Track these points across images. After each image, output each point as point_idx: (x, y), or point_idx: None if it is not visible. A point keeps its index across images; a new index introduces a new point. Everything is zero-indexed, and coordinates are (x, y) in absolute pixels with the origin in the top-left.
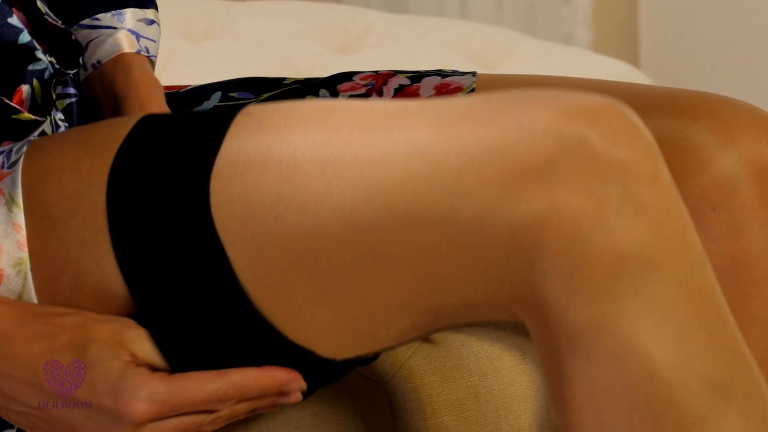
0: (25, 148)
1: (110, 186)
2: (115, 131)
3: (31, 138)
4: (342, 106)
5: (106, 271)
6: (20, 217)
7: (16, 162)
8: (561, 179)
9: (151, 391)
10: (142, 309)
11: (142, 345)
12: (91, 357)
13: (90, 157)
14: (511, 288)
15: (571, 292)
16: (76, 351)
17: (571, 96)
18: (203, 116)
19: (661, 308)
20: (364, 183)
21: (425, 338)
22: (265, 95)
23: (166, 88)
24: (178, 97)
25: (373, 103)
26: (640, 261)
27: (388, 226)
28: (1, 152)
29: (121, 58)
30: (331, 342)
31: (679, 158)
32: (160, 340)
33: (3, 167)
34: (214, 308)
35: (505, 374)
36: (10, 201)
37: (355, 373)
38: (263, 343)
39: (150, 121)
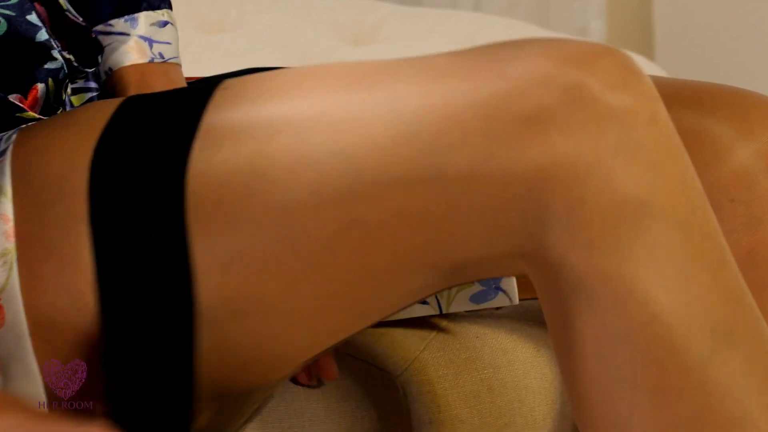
0: (14, 136)
1: (92, 171)
2: (98, 113)
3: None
4: (318, 70)
5: (82, 262)
6: (8, 207)
7: (4, 151)
8: (554, 125)
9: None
10: (104, 315)
11: None
12: None
13: (75, 138)
14: (509, 239)
15: (571, 237)
16: None
17: (562, 42)
18: (183, 93)
19: (662, 251)
20: (339, 150)
21: (440, 328)
22: None
23: None
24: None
25: (351, 64)
26: (639, 203)
27: (369, 193)
28: None
29: (126, 71)
30: (319, 320)
31: (697, 150)
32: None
33: None
34: (159, 320)
35: (519, 367)
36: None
37: (369, 365)
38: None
39: (132, 102)
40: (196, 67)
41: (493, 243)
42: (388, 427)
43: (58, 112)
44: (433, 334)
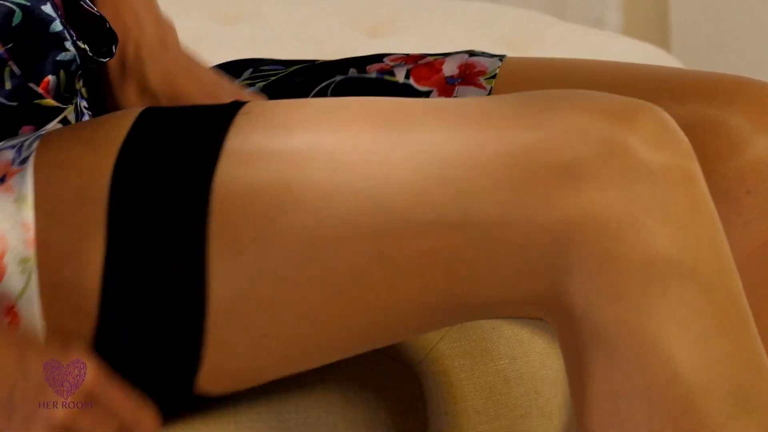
0: (36, 144)
1: (113, 181)
2: (116, 128)
3: (49, 127)
4: (350, 103)
5: (97, 269)
6: (29, 214)
7: (26, 159)
8: (589, 178)
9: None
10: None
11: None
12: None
13: (93, 156)
14: (532, 287)
15: (597, 290)
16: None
17: (601, 96)
18: (201, 113)
19: (687, 311)
20: (374, 187)
21: None
22: (294, 67)
23: None
24: None
25: (384, 101)
26: (668, 262)
27: (400, 232)
28: (12, 147)
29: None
30: (331, 347)
31: (713, 142)
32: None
33: (13, 164)
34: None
35: (536, 358)
36: (20, 198)
37: (386, 356)
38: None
39: (150, 116)
40: (212, 57)
41: (515, 288)
42: (404, 418)
43: (72, 101)
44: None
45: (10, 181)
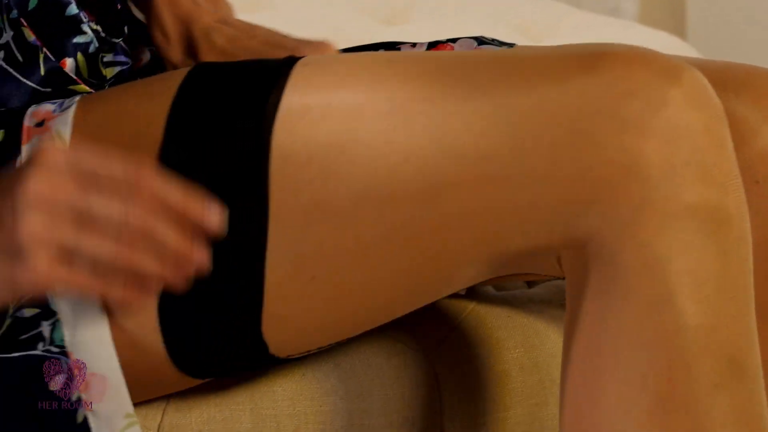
0: (77, 97)
1: (168, 130)
2: (170, 81)
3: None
4: (406, 57)
5: None
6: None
7: (69, 107)
8: (637, 127)
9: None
10: None
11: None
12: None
13: (148, 105)
14: (566, 228)
15: (628, 235)
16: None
17: (650, 52)
18: (258, 67)
19: (704, 270)
20: (437, 138)
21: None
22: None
23: None
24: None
25: (441, 55)
26: (696, 219)
27: (458, 171)
28: (53, 102)
29: None
30: (378, 297)
31: None
32: None
33: (54, 112)
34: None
35: (551, 346)
36: (57, 137)
37: (401, 344)
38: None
39: (204, 70)
40: None
41: (552, 229)
42: (420, 406)
43: (105, 84)
44: (465, 313)
45: (49, 123)
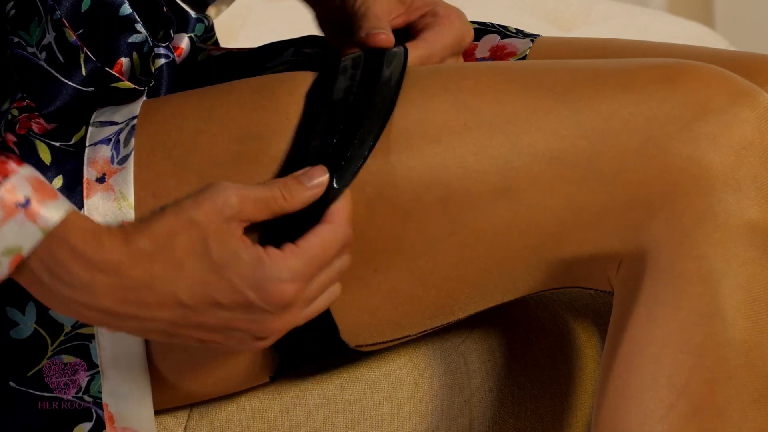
0: (133, 141)
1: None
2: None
3: (126, 110)
4: (508, 68)
5: None
6: (131, 214)
7: (126, 158)
8: (709, 139)
9: (292, 272)
10: None
11: (239, 202)
12: (218, 259)
13: (211, 101)
14: (631, 234)
15: (688, 245)
16: (200, 256)
17: (727, 72)
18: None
19: (757, 286)
20: (506, 123)
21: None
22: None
23: (239, 50)
24: (252, 53)
25: (534, 66)
26: (756, 234)
27: (530, 169)
28: (108, 140)
29: None
30: (453, 290)
31: None
32: None
33: (113, 162)
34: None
35: (581, 335)
36: (121, 198)
37: (431, 334)
38: None
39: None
40: (258, 31)
41: (612, 234)
42: (450, 395)
43: (150, 84)
44: None
45: (110, 181)
